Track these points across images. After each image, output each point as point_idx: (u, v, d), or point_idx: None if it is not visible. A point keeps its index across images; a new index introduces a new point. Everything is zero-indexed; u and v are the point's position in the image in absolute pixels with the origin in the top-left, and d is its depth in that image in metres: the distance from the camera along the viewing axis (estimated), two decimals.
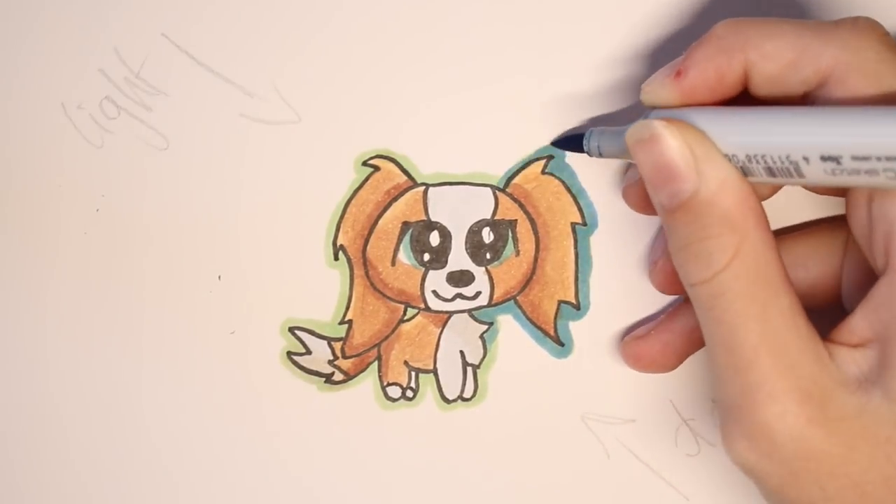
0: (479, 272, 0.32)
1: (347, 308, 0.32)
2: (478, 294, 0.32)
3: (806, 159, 0.23)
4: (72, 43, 0.32)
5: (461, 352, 0.32)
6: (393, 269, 0.32)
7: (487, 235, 0.32)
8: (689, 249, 0.24)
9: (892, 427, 0.23)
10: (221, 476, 0.32)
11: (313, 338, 0.32)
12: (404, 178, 0.32)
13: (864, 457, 0.23)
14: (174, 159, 0.32)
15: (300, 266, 0.32)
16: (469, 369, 0.32)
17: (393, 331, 0.32)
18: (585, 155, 0.30)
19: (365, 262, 0.32)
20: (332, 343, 0.32)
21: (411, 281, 0.32)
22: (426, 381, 0.32)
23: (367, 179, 0.32)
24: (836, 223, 0.28)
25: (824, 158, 0.22)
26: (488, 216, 0.32)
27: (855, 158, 0.22)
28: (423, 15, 0.32)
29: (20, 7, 0.32)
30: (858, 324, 0.24)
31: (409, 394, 0.32)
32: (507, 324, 0.32)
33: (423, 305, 0.32)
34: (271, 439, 0.32)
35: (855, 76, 0.23)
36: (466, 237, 0.32)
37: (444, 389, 0.32)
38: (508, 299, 0.32)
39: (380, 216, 0.32)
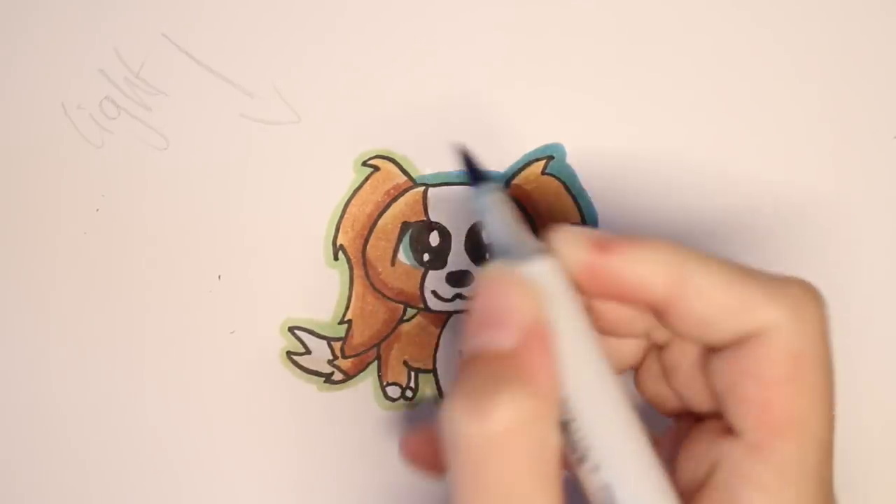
0: (478, 272, 0.32)
1: (347, 308, 0.32)
2: None
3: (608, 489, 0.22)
4: (72, 43, 0.32)
5: (460, 352, 0.32)
6: (392, 270, 0.32)
7: (487, 236, 0.32)
8: (491, 397, 0.21)
9: None
10: (221, 475, 0.32)
11: (313, 337, 0.32)
12: (404, 178, 0.32)
13: None
14: (174, 159, 0.32)
15: (300, 266, 0.32)
16: None
17: (392, 331, 0.32)
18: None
19: (365, 262, 0.32)
20: (332, 343, 0.32)
21: (411, 281, 0.32)
22: (426, 381, 0.32)
23: (366, 179, 0.32)
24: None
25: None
26: None
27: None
28: (424, 16, 0.32)
29: (20, 7, 0.32)
30: (685, 479, 0.23)
31: (409, 393, 0.32)
32: None
33: (422, 305, 0.32)
34: (271, 439, 0.32)
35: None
36: (466, 237, 0.32)
37: (443, 389, 0.32)
38: None
39: (380, 216, 0.32)
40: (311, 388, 0.32)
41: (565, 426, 0.22)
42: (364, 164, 0.32)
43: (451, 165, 0.32)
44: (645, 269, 0.22)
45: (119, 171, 0.32)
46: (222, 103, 0.32)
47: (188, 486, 0.32)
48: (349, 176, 0.32)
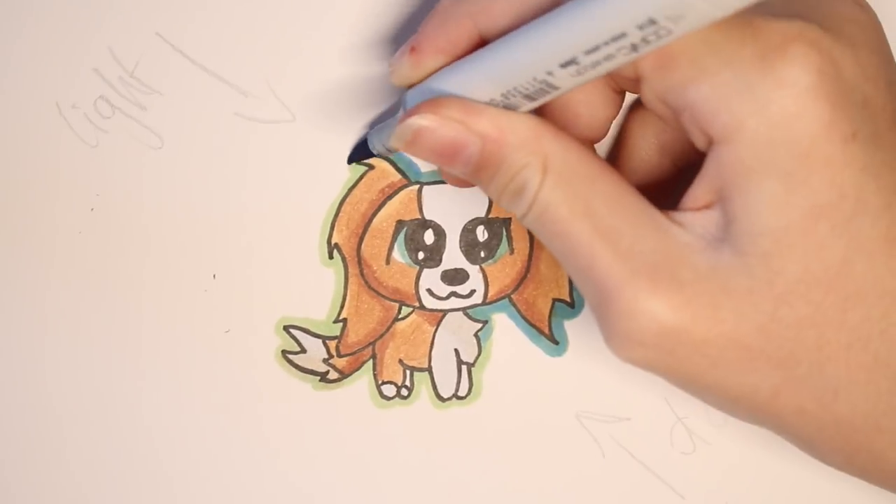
0: (473, 270, 0.32)
1: (342, 307, 0.32)
2: (472, 292, 0.32)
3: (550, 73, 0.23)
4: (66, 42, 0.32)
5: (456, 350, 0.32)
6: (387, 268, 0.32)
7: (482, 234, 0.32)
8: (507, 193, 0.25)
9: (748, 278, 0.23)
10: (216, 475, 0.32)
11: (308, 336, 0.32)
12: (398, 176, 0.32)
13: (729, 312, 0.23)
14: (169, 158, 0.32)
15: (295, 265, 0.32)
16: (464, 368, 0.32)
17: (387, 329, 0.32)
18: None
19: (359, 260, 0.32)
20: (327, 342, 0.32)
21: (406, 279, 0.32)
22: (421, 380, 0.32)
23: (361, 178, 0.32)
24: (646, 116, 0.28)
25: (563, 65, 0.22)
26: (482, 214, 0.32)
27: (588, 52, 0.22)
28: (418, 13, 0.32)
29: (14, 6, 0.32)
30: (699, 190, 0.24)
31: (404, 392, 0.32)
32: (502, 322, 0.32)
33: (417, 304, 0.32)
34: (266, 438, 0.32)
35: None
36: (461, 235, 0.32)
37: (438, 388, 0.32)
38: (503, 298, 0.32)
39: (374, 215, 0.32)
40: (306, 387, 0.32)
41: (510, 103, 0.25)
42: (358, 162, 0.32)
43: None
44: (444, 30, 0.26)
45: (114, 170, 0.32)
46: (217, 102, 0.32)
47: (182, 485, 0.32)
48: (343, 174, 0.32)
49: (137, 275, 0.32)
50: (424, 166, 0.32)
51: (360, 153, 0.31)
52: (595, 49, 0.22)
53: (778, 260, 0.22)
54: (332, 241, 0.32)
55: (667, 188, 0.28)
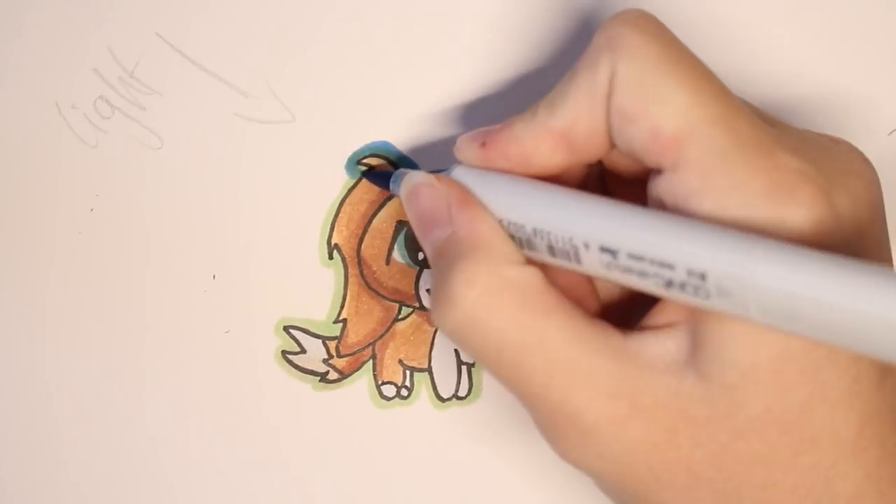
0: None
1: (342, 307, 0.32)
2: None
3: (586, 246, 0.23)
4: (66, 43, 0.32)
5: (456, 350, 0.32)
6: (387, 268, 0.32)
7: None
8: (442, 290, 0.24)
9: (709, 406, 0.23)
10: (216, 475, 0.32)
11: (308, 336, 0.32)
12: None
13: (686, 438, 0.23)
14: (169, 159, 0.32)
15: (295, 265, 0.32)
16: (464, 368, 0.32)
17: (387, 329, 0.32)
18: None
19: (359, 261, 0.32)
20: (327, 342, 0.32)
21: (406, 280, 0.32)
22: (421, 380, 0.32)
23: (361, 179, 0.32)
24: None
25: (603, 250, 0.23)
26: None
27: (631, 257, 0.22)
28: (419, 13, 0.32)
29: (13, 6, 0.32)
30: (669, 307, 0.24)
31: (404, 392, 0.32)
32: None
33: (417, 304, 0.32)
34: (266, 438, 0.32)
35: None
36: None
37: (438, 388, 0.32)
38: None
39: (374, 215, 0.32)
40: (306, 388, 0.32)
41: (532, 242, 0.24)
42: (358, 162, 0.32)
43: (446, 164, 0.32)
44: (517, 145, 0.25)
45: (114, 170, 0.32)
46: (217, 102, 0.32)
47: (182, 486, 0.32)
48: (343, 175, 0.32)
49: (137, 275, 0.32)
50: (425, 166, 0.32)
51: (378, 178, 0.31)
52: (640, 258, 0.22)
53: (742, 394, 0.22)
54: (332, 242, 0.32)
55: (635, 303, 0.27)
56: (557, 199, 0.24)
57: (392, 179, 0.29)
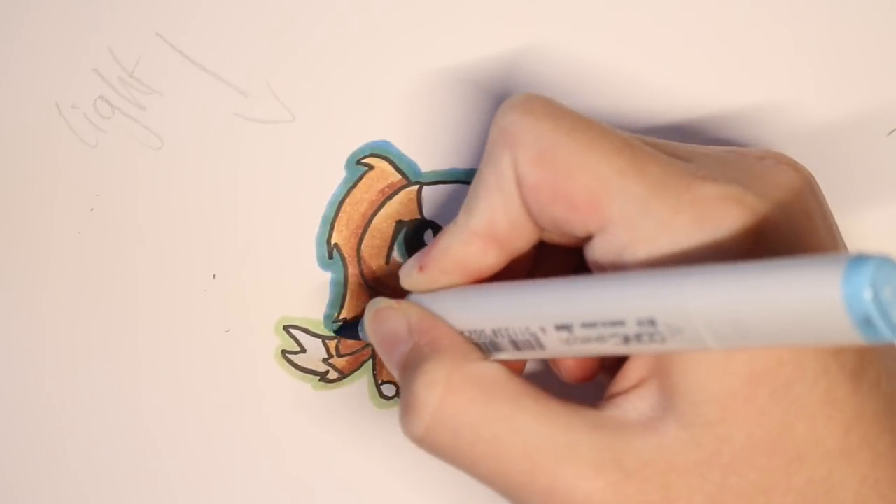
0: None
1: (342, 307, 0.32)
2: None
3: (543, 329, 0.23)
4: (66, 42, 0.32)
5: None
6: (387, 268, 0.32)
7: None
8: (412, 393, 0.25)
9: (696, 450, 0.23)
10: (215, 475, 0.32)
11: (308, 336, 0.32)
12: (398, 176, 0.32)
13: (681, 489, 0.23)
14: (169, 158, 0.32)
15: (294, 265, 0.32)
16: None
17: None
18: None
19: (359, 260, 0.32)
20: (327, 341, 0.32)
21: None
22: None
23: (360, 178, 0.32)
24: None
25: (558, 328, 0.23)
26: None
27: (585, 326, 0.22)
28: (418, 12, 0.32)
29: (13, 6, 0.32)
30: (633, 367, 0.24)
31: None
32: None
33: None
34: (266, 438, 0.32)
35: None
36: None
37: None
38: None
39: (374, 215, 0.32)
40: (305, 387, 0.32)
41: (496, 342, 0.25)
42: (358, 162, 0.32)
43: (446, 163, 0.32)
44: (451, 254, 0.26)
45: (113, 170, 0.32)
46: (216, 102, 0.32)
47: (182, 485, 0.32)
48: (343, 174, 0.32)
49: (137, 275, 0.32)
50: (424, 166, 0.32)
51: (348, 330, 0.32)
52: (592, 325, 0.22)
53: (723, 427, 0.22)
54: (332, 242, 0.32)
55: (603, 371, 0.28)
56: (505, 295, 0.24)
57: (359, 328, 0.30)
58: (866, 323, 0.18)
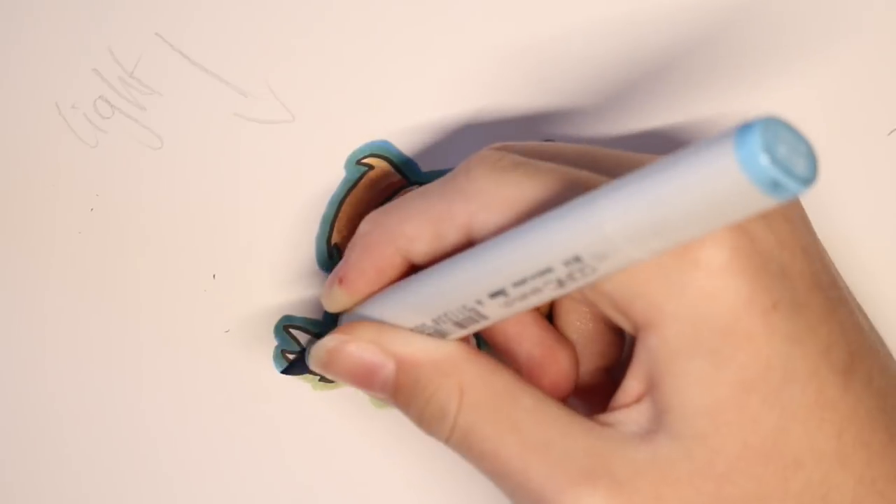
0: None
1: None
2: None
3: (479, 302, 0.23)
4: (66, 43, 0.32)
5: None
6: None
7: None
8: (426, 417, 0.25)
9: (689, 462, 0.23)
10: (215, 475, 0.32)
11: (308, 336, 0.32)
12: (398, 176, 0.32)
13: (675, 501, 0.23)
14: (169, 159, 0.32)
15: (295, 265, 0.32)
16: None
17: None
18: None
19: None
20: None
21: None
22: None
23: (360, 178, 0.32)
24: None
25: (493, 295, 0.23)
26: None
27: (516, 285, 0.22)
28: (418, 12, 0.32)
29: (14, 6, 0.32)
30: (631, 382, 0.24)
31: None
32: None
33: None
34: (265, 438, 0.32)
35: (484, 216, 0.24)
36: None
37: None
38: None
39: None
40: (305, 387, 0.32)
41: (441, 329, 0.25)
42: (358, 162, 0.32)
43: (446, 163, 0.32)
44: (369, 261, 0.26)
45: (113, 170, 0.32)
46: (216, 102, 0.32)
47: (182, 486, 0.32)
48: (343, 174, 0.32)
49: (137, 275, 0.32)
50: (425, 166, 0.32)
51: (298, 368, 0.30)
52: (523, 282, 0.22)
53: (715, 438, 0.22)
54: (332, 242, 0.32)
55: (598, 389, 0.28)
56: (430, 283, 0.24)
57: (306, 356, 0.29)
58: (774, 185, 0.18)
